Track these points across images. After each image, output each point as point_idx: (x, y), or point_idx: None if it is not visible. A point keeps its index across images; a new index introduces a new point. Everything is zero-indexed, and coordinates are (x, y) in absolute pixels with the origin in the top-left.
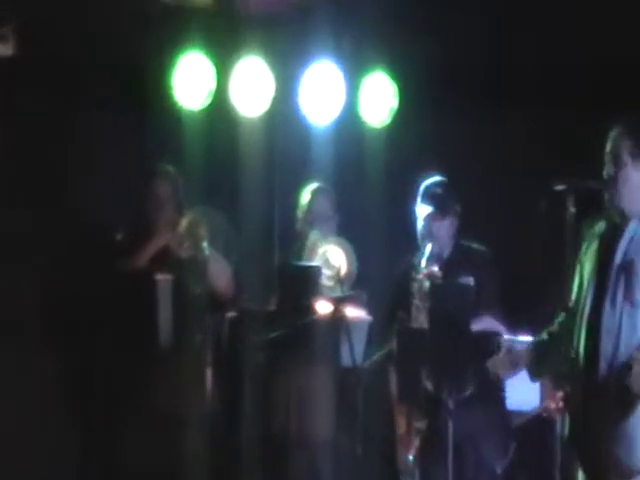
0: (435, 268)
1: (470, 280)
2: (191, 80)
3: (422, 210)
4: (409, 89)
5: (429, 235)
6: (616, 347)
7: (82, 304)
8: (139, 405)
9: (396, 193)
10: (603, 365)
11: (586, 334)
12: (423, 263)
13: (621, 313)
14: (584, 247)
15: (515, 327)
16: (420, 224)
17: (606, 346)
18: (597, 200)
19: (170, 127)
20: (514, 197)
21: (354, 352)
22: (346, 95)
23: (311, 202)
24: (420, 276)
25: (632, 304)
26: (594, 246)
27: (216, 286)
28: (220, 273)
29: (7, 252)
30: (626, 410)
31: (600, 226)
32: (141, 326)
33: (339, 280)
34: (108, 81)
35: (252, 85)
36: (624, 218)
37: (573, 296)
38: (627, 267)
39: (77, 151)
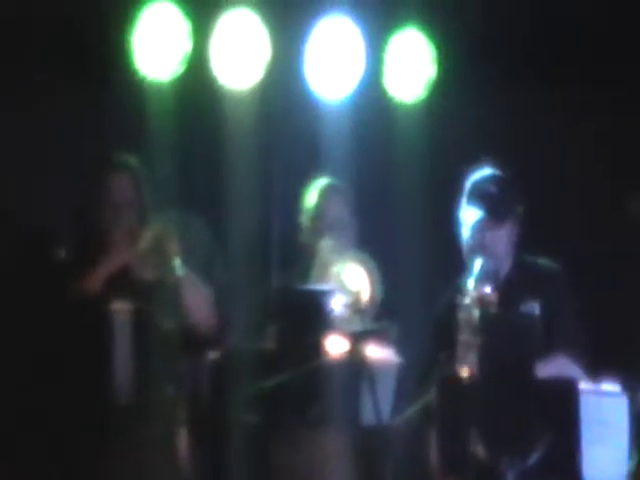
0: (488, 291)
1: (535, 308)
2: (158, 40)
3: (470, 214)
4: (452, 51)
5: (480, 247)
6: None
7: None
8: None
9: (435, 192)
10: None
11: None
12: (471, 284)
13: None
14: None
15: (598, 371)
16: (467, 233)
17: None
18: None
19: (130, 104)
20: (595, 197)
21: (379, 407)
22: (367, 60)
23: (320, 205)
24: (467, 302)
25: None
26: None
27: (193, 319)
28: (198, 301)
29: None
30: None
31: None
32: (88, 375)
33: (358, 309)
34: (44, 42)
35: (240, 47)
36: None
37: None
38: None
39: (2, 138)
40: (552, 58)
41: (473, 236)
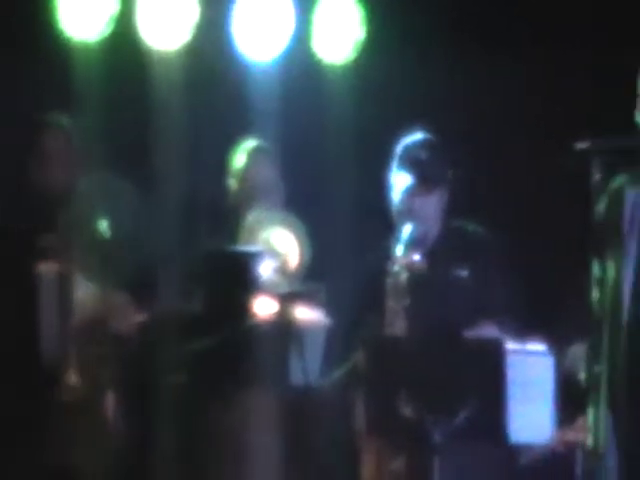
0: (417, 257)
1: (464, 273)
2: (84, 1)
3: (400, 179)
4: (381, 13)
5: (409, 213)
6: None
7: None
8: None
9: (364, 155)
10: None
11: (628, 340)
12: (400, 250)
13: None
14: (609, 217)
15: (526, 335)
16: (397, 198)
17: None
18: (632, 161)
19: (56, 66)
20: (525, 161)
21: (307, 368)
22: (296, 22)
23: (248, 167)
24: (396, 267)
25: None
26: (627, 216)
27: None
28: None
29: None
30: None
31: (631, 191)
32: (13, 337)
33: (287, 272)
34: None
35: (168, 8)
36: None
37: (606, 289)
38: None
39: None
40: (481, 17)
41: (403, 201)
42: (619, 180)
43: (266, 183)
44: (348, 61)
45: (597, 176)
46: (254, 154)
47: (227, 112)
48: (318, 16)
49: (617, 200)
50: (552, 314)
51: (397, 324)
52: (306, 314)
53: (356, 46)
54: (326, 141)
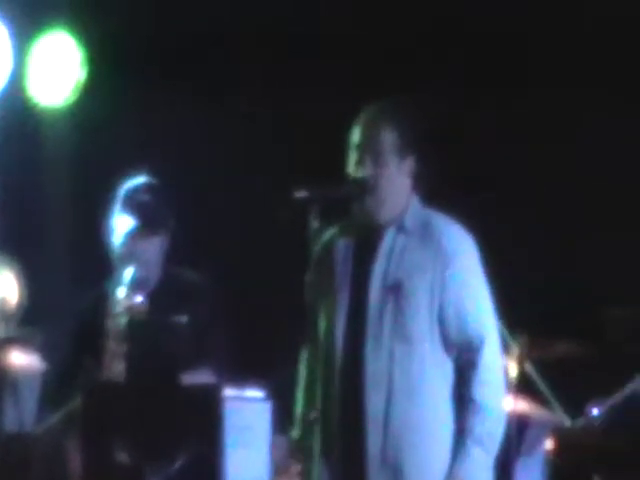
0: (138, 300)
1: (183, 319)
2: None
3: (122, 222)
4: (102, 54)
5: (131, 256)
6: (388, 404)
7: None
8: None
9: (84, 197)
10: (373, 432)
11: (341, 387)
12: (121, 293)
13: (391, 354)
14: (322, 269)
15: (243, 378)
16: (119, 241)
17: (374, 404)
18: (345, 211)
19: None
20: (246, 208)
21: (22, 414)
22: (13, 62)
23: None
24: (117, 310)
25: (405, 340)
26: (339, 268)
27: None
28: None
29: None
30: None
31: (342, 242)
32: None
33: (4, 314)
34: None
35: None
36: (378, 228)
37: (318, 336)
38: (393, 290)
39: None
40: (209, 60)
41: (124, 244)
42: (330, 231)
43: None
44: (68, 102)
45: (315, 225)
46: None
47: None
48: (35, 57)
49: (328, 252)
50: (269, 360)
51: (116, 368)
52: (21, 359)
53: (76, 88)
54: (44, 182)
